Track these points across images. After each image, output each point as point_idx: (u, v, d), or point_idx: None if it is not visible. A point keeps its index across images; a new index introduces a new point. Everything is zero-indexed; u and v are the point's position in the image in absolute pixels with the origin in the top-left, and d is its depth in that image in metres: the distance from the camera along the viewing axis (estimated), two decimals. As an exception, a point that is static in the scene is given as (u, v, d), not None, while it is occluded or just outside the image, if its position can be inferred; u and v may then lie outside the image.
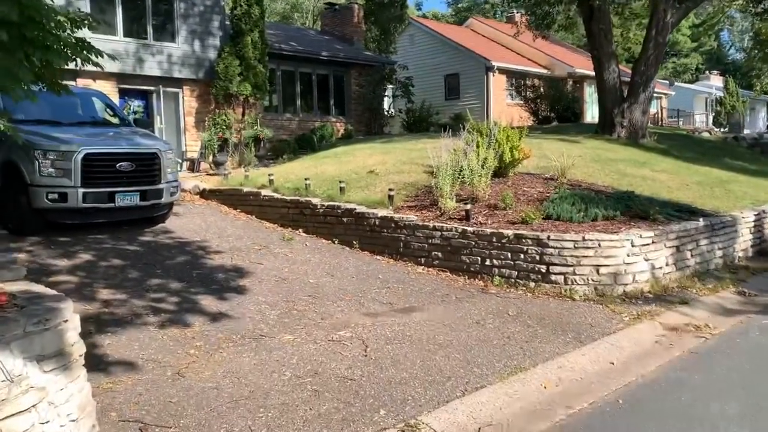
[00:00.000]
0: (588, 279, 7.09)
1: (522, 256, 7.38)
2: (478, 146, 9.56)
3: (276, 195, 10.69)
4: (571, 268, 7.12)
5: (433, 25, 32.68)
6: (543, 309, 6.54)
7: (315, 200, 9.97)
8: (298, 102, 21.56)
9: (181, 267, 7.69)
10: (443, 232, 8.12)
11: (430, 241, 8.27)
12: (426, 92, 25.92)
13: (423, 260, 8.35)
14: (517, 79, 29.28)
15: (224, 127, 13.69)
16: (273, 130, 18.64)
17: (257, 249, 8.81)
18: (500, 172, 10.03)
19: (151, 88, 17.39)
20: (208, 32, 18.23)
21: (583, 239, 7.12)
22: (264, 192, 10.94)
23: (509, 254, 7.49)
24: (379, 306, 6.62)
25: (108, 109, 10.24)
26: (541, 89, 24.93)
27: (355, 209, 9.28)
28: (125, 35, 16.79)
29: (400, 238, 8.62)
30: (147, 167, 8.87)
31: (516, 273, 7.44)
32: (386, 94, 23.06)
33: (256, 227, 10.20)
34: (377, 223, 8.92)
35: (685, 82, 50.28)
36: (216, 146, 13.44)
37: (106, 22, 16.59)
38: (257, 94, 18.04)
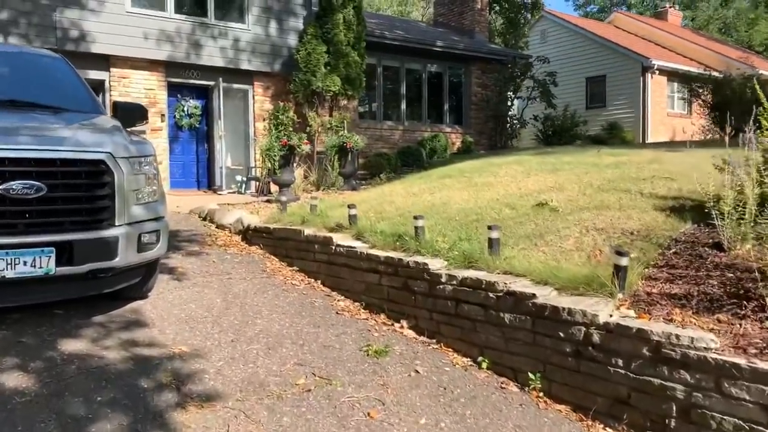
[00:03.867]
0: None
1: None
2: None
3: (359, 246, 5.62)
4: None
5: (572, 18, 26.95)
6: None
7: (435, 264, 4.80)
8: (403, 106, 16.68)
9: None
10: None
11: (782, 422, 2.85)
12: (562, 99, 20.24)
13: (756, 475, 2.94)
14: (681, 83, 22.94)
15: (290, 130, 8.94)
16: (369, 140, 13.77)
17: (299, 390, 3.74)
18: None
19: (211, 83, 13.07)
20: (287, 10, 13.73)
21: None
22: (338, 239, 5.91)
23: None
24: None
25: (65, 85, 5.65)
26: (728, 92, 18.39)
27: (533, 297, 3.99)
28: (177, 11, 12.57)
29: (672, 390, 3.24)
30: (78, 191, 4.09)
31: None
32: (519, 95, 17.69)
33: (316, 314, 5.16)
34: (595, 338, 3.60)
35: None
36: (278, 158, 8.69)
37: (151, -7, 12.47)
38: (350, 91, 13.27)
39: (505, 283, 4.16)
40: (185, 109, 13.16)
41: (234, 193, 13.14)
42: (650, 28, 26.91)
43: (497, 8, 21.42)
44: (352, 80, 13.14)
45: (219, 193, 12.82)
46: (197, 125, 13.29)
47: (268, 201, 9.39)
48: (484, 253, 4.67)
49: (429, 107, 17.26)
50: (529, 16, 22.12)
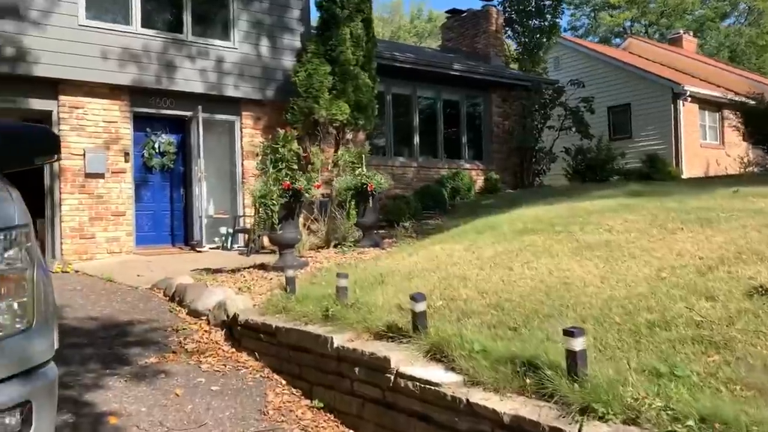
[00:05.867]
0: None
1: None
2: None
3: (446, 380, 2.98)
4: None
5: (588, 44, 24.97)
6: None
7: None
8: (416, 140, 14.24)
9: None
10: None
11: None
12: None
13: None
14: (712, 112, 20.87)
15: (294, 168, 6.32)
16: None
17: None
18: None
19: (188, 113, 10.54)
20: (282, 25, 11.34)
21: None
22: (400, 360, 3.26)
23: None
24: None
25: None
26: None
27: None
28: (144, 25, 10.12)
29: None
30: None
31: None
32: (549, 125, 15.33)
33: None
34: None
35: None
36: (277, 207, 6.08)
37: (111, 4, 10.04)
38: (360, 120, 10.80)
39: None
40: (156, 145, 10.59)
41: (217, 248, 10.52)
42: (668, 54, 24.98)
43: (509, 32, 19.28)
44: (363, 107, 10.67)
45: (198, 249, 10.19)
46: (171, 165, 10.71)
47: (262, 266, 6.75)
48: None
49: (445, 141, 14.84)
50: (545, 39, 19.94)
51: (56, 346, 2.18)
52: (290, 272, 4.81)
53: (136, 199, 10.20)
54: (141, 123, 10.35)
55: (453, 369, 3.08)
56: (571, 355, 2.64)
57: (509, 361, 2.93)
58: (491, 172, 14.77)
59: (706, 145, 20.59)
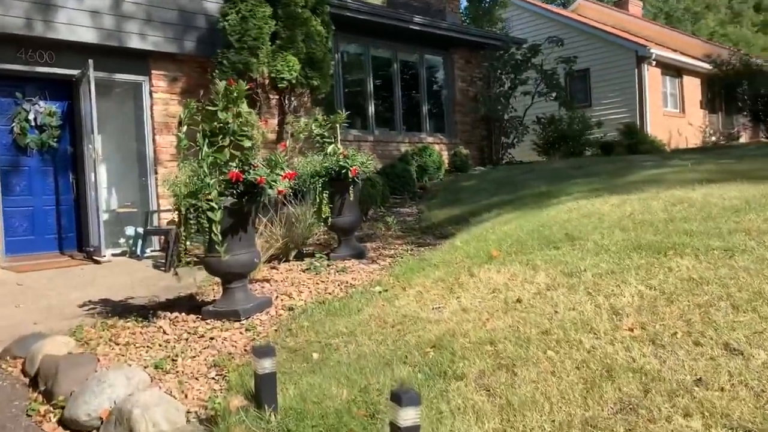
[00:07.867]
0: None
1: None
2: None
3: None
4: None
5: (540, 4, 23.06)
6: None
7: None
8: (371, 109, 11.78)
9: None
10: None
11: None
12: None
13: None
14: (673, 78, 19.54)
15: (241, 144, 3.69)
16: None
17: None
18: None
19: (74, 71, 7.62)
20: (202, -46, 8.52)
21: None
22: None
23: None
24: None
25: None
26: None
27: None
28: (3, -58, 7.08)
29: None
30: None
31: None
32: (523, 90, 13.21)
33: None
34: None
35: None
36: (218, 215, 3.53)
37: None
38: (314, 79, 8.21)
39: None
40: (31, 116, 7.61)
41: (123, 254, 7.78)
42: (618, 15, 23.54)
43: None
44: (316, 63, 8.09)
45: (96, 258, 7.40)
46: (54, 144, 7.77)
47: (192, 303, 4.21)
48: None
49: (403, 111, 12.46)
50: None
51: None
52: (267, 364, 2.27)
53: (3, 192, 7.27)
54: (6, 85, 7.37)
55: None
56: None
57: None
58: (459, 147, 12.55)
59: (668, 113, 19.22)
